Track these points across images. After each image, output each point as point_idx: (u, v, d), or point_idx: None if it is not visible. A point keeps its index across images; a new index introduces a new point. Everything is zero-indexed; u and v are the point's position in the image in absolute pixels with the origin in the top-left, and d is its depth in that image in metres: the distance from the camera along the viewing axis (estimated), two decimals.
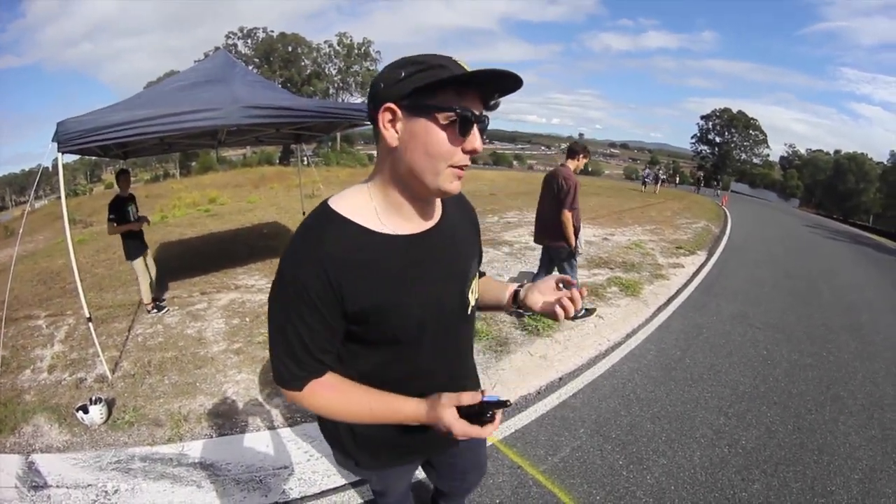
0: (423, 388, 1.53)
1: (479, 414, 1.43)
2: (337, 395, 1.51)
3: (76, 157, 8.30)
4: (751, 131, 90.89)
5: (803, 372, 6.01)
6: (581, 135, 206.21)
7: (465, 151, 1.34)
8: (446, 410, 1.43)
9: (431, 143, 1.29)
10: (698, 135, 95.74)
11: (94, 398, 4.72)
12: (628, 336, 6.84)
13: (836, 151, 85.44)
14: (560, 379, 5.51)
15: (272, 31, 76.94)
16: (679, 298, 8.79)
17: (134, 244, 7.42)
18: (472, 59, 1.35)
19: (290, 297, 1.37)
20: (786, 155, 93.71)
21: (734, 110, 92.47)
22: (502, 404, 1.44)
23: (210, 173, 48.83)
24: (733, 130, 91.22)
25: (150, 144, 8.32)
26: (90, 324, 5.41)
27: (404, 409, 1.50)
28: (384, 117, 1.30)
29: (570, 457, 4.15)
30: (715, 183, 40.96)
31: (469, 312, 1.67)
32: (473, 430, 1.42)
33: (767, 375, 5.84)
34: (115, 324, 7.02)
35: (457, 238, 1.63)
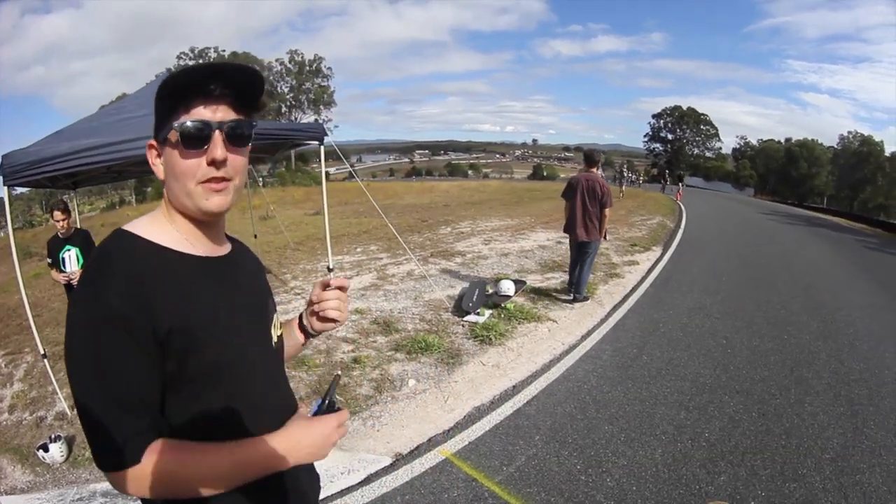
0: (250, 426, 1.33)
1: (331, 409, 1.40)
2: (187, 454, 1.19)
3: (26, 189, 7.86)
4: (702, 126, 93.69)
5: (765, 357, 6.02)
6: (535, 140, 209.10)
7: (208, 164, 1.24)
8: (322, 421, 1.34)
9: (173, 164, 1.25)
10: (651, 133, 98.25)
11: (53, 436, 4.75)
12: (583, 338, 6.78)
13: (787, 140, 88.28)
14: (514, 387, 5.41)
15: (223, 51, 76.96)
16: (634, 296, 8.80)
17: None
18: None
19: (102, 330, 1.11)
20: (738, 147, 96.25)
21: (684, 107, 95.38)
22: (335, 380, 1.52)
23: None
24: (685, 127, 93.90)
25: (99, 173, 8.06)
26: (46, 361, 5.49)
27: (274, 443, 1.26)
28: (151, 154, 1.32)
29: (526, 465, 4.04)
30: (679, 181, 40.69)
31: (274, 346, 1.53)
32: (340, 416, 1.37)
33: (728, 364, 5.82)
34: None
35: (248, 269, 1.54)
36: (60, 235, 6.18)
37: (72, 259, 6.14)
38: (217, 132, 1.22)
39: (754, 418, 4.64)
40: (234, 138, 1.25)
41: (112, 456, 1.12)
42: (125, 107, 7.26)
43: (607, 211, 7.91)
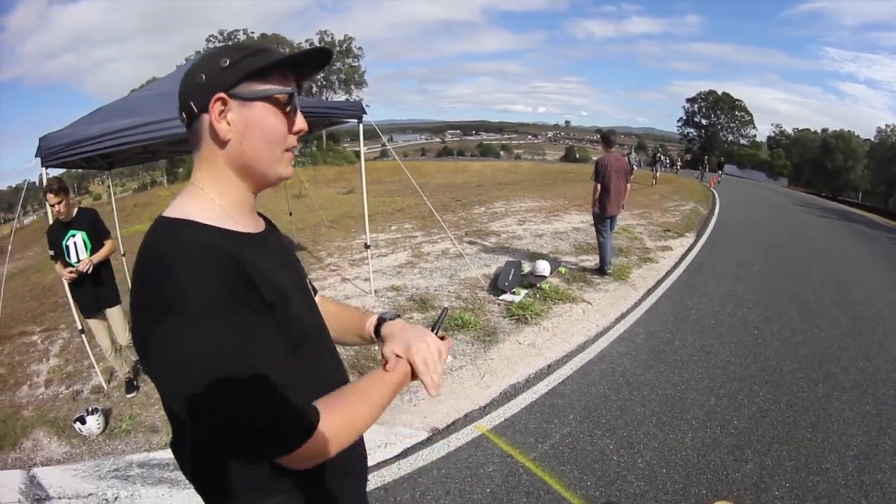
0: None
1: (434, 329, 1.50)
2: (353, 396, 1.26)
3: (62, 170, 7.62)
4: (737, 112, 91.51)
5: (795, 350, 5.99)
6: (567, 122, 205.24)
7: (293, 133, 1.28)
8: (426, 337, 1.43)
9: (270, 129, 1.22)
10: (684, 118, 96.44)
11: (90, 409, 4.78)
12: (617, 320, 6.81)
13: (823, 130, 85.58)
14: (549, 366, 5.48)
15: (253, 33, 76.72)
16: (668, 281, 8.78)
17: (81, 295, 5.23)
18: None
19: (234, 318, 1.03)
20: (773, 135, 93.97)
21: (719, 92, 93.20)
22: (443, 314, 1.61)
23: None
24: (719, 112, 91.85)
25: (134, 153, 7.97)
26: (83, 336, 5.51)
27: (397, 375, 1.35)
28: (216, 109, 1.16)
29: (560, 443, 4.12)
30: (719, 168, 39.07)
31: (322, 317, 1.52)
32: (447, 344, 1.48)
33: (759, 354, 5.82)
34: None
35: (285, 245, 1.50)
36: (61, 220, 5.06)
37: (78, 245, 5.09)
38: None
39: (782, 409, 4.65)
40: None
41: (297, 429, 1.08)
42: (160, 87, 7.26)
43: (629, 185, 8.85)
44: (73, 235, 5.02)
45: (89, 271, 4.95)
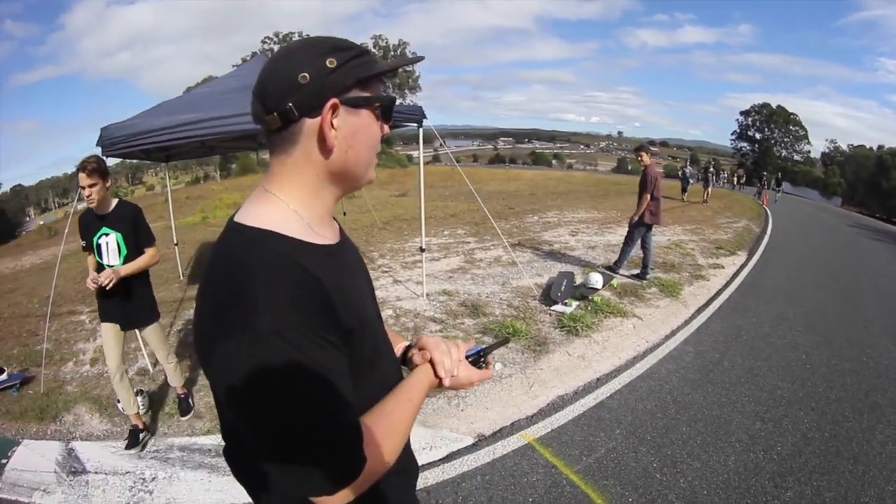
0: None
1: (475, 363, 1.46)
2: (384, 419, 1.17)
3: (118, 160, 7.86)
4: (791, 126, 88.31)
5: (842, 378, 5.82)
6: (620, 133, 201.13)
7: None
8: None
9: (372, 136, 1.17)
10: (738, 131, 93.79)
11: (135, 390, 4.77)
12: (667, 337, 6.75)
13: (880, 147, 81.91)
14: (598, 379, 5.49)
15: (308, 36, 77.76)
16: (719, 300, 8.63)
17: (104, 303, 4.25)
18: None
19: (295, 349, 0.94)
20: (827, 151, 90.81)
21: (773, 105, 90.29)
22: (504, 342, 1.58)
23: (250, 175, 50.06)
24: (773, 126, 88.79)
25: (192, 147, 8.09)
26: None
27: (422, 384, 1.33)
28: (328, 116, 1.07)
29: (604, 458, 4.14)
30: (778, 186, 37.55)
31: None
32: (485, 374, 1.46)
33: (806, 380, 5.68)
34: None
35: (356, 252, 1.41)
36: (95, 212, 4.12)
37: (110, 247, 4.13)
38: None
39: (826, 438, 4.55)
40: None
41: (354, 463, 1.02)
42: (220, 85, 7.42)
43: None
44: (106, 234, 4.12)
45: (109, 286, 3.94)
